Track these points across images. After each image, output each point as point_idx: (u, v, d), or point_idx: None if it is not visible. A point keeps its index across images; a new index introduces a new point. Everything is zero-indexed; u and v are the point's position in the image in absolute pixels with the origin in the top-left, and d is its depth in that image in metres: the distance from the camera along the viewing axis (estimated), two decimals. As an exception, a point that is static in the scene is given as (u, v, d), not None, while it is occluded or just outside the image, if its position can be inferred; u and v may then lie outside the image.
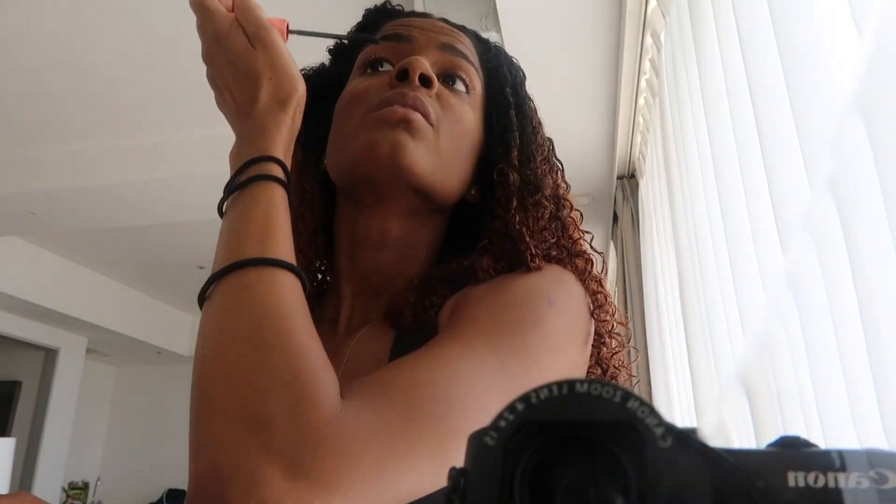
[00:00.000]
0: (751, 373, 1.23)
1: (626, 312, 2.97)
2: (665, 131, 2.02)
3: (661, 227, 2.30)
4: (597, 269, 0.63)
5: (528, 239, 0.59)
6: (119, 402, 7.66)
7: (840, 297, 0.76)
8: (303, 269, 0.61)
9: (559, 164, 0.70)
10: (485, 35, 0.72)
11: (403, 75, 0.59)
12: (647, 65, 2.33)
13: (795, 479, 0.22)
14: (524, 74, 0.71)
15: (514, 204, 0.60)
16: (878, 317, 0.66)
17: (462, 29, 0.69)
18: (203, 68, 0.61)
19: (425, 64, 0.59)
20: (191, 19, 0.60)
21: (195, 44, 0.61)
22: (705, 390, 1.63)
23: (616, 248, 3.29)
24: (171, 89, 3.06)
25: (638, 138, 2.77)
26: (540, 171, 0.63)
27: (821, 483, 0.22)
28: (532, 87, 0.71)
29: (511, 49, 0.75)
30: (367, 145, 0.58)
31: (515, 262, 0.59)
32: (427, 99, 0.59)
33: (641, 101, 2.51)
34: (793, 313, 0.95)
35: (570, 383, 0.23)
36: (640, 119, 2.62)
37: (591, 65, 2.40)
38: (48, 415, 5.97)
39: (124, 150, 3.50)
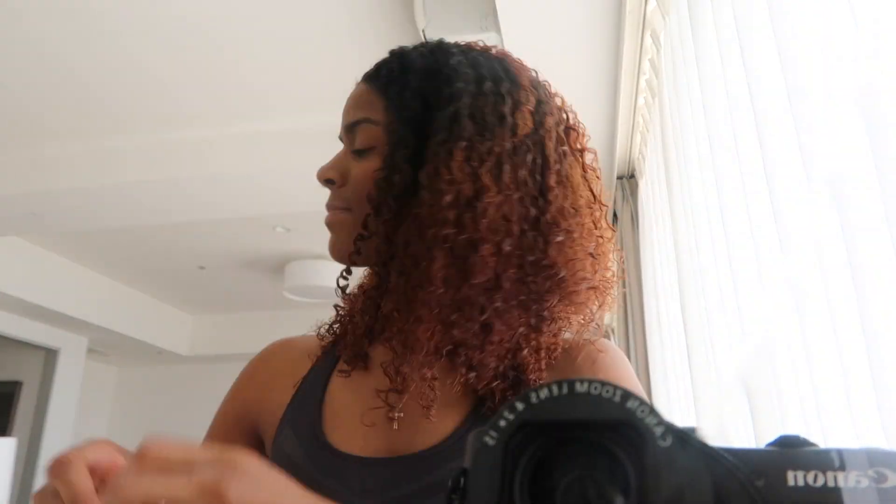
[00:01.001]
0: (751, 373, 1.23)
1: (626, 312, 2.97)
2: (665, 131, 2.02)
3: (660, 227, 2.30)
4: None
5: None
6: (119, 402, 7.66)
7: (840, 297, 0.76)
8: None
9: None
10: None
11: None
12: (646, 65, 2.33)
13: (795, 478, 0.22)
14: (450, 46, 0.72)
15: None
16: (878, 317, 0.66)
17: (369, 81, 0.73)
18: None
19: (323, 171, 0.72)
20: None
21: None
22: (705, 390, 1.63)
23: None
24: (171, 89, 3.06)
25: (638, 138, 2.77)
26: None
27: (820, 482, 0.22)
28: (532, 87, 0.71)
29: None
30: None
31: None
32: (338, 193, 0.72)
33: (641, 101, 2.51)
34: (793, 313, 0.95)
35: (570, 382, 0.23)
36: (639, 119, 2.62)
37: (591, 65, 2.40)
38: (48, 415, 5.97)
39: (124, 151, 3.50)
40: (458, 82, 0.66)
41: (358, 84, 0.75)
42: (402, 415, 0.67)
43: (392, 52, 0.74)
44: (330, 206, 0.72)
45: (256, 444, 0.75)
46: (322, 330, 0.77)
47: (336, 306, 0.76)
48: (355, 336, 0.72)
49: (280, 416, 0.72)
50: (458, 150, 0.62)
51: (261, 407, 0.75)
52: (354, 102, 0.73)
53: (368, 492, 0.62)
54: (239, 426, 0.76)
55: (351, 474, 0.64)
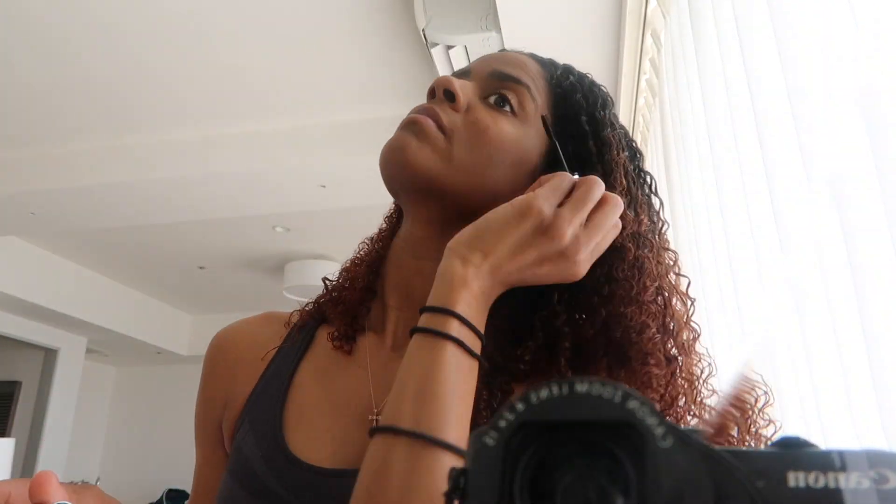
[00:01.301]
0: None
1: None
2: (665, 131, 2.02)
3: (661, 227, 2.29)
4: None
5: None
6: (119, 402, 7.66)
7: (840, 297, 0.76)
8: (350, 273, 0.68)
9: (658, 200, 0.68)
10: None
11: (432, 93, 0.64)
12: (647, 65, 2.33)
13: (795, 479, 0.22)
14: (610, 101, 0.70)
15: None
16: (878, 317, 0.66)
17: (534, 57, 0.69)
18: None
19: (451, 81, 0.63)
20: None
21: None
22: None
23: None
24: (171, 89, 3.06)
25: (638, 138, 2.77)
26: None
27: (821, 483, 0.22)
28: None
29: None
30: (384, 152, 0.63)
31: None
32: (446, 111, 0.62)
33: (641, 101, 2.51)
34: (793, 313, 0.95)
35: (571, 383, 0.23)
36: (640, 119, 2.62)
37: (591, 65, 2.39)
38: (48, 415, 5.97)
39: (124, 150, 3.50)
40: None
41: (522, 52, 0.69)
42: (381, 418, 0.61)
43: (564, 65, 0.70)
44: (428, 113, 0.62)
45: None
46: (308, 306, 0.71)
47: (325, 279, 0.72)
48: (351, 303, 0.67)
49: (241, 408, 0.65)
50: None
51: (224, 403, 0.67)
52: (520, 64, 0.66)
53: None
54: (216, 436, 0.68)
55: (313, 491, 0.56)
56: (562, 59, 0.72)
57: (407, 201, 0.66)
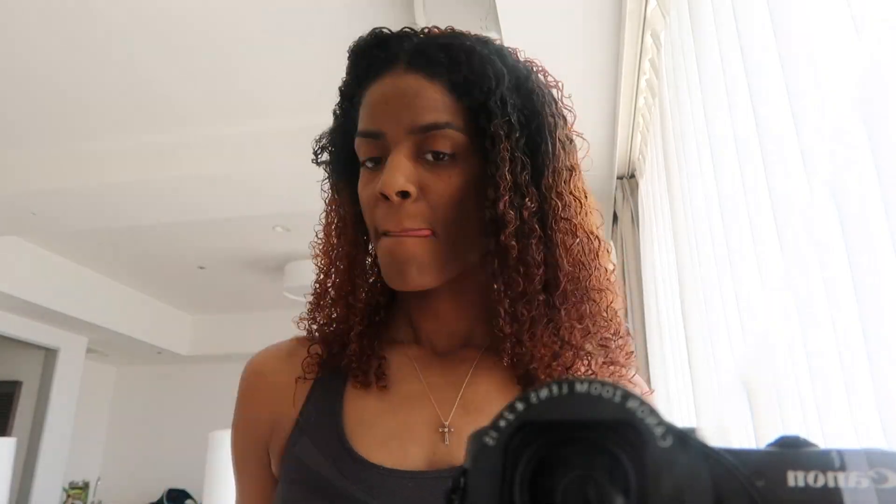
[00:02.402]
0: (751, 373, 1.23)
1: (626, 312, 2.97)
2: (665, 131, 2.02)
3: (660, 226, 2.30)
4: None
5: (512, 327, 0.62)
6: (119, 402, 7.66)
7: (839, 296, 0.76)
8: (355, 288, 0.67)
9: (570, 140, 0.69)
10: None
11: (385, 197, 0.60)
12: (646, 65, 2.33)
13: (795, 478, 0.22)
14: (514, 68, 0.66)
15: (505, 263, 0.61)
16: (878, 316, 0.66)
17: (431, 73, 0.62)
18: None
19: (397, 180, 0.59)
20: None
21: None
22: (705, 390, 1.63)
23: (616, 248, 3.29)
24: (170, 89, 3.06)
25: (638, 138, 2.77)
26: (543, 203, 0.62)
27: (820, 482, 0.22)
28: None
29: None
30: (386, 275, 0.62)
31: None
32: (412, 210, 0.60)
33: (641, 101, 2.51)
34: (793, 313, 0.95)
35: (570, 383, 0.23)
36: (640, 119, 2.62)
37: (591, 65, 2.40)
38: (48, 415, 5.97)
39: (124, 150, 3.50)
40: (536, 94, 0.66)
41: (403, 75, 0.62)
42: (452, 430, 0.61)
43: (434, 36, 0.64)
44: (402, 228, 0.60)
45: None
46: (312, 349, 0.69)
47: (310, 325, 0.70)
48: (362, 351, 0.65)
49: (291, 427, 0.64)
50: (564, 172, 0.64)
51: (270, 425, 0.66)
52: (426, 100, 0.60)
53: None
54: (264, 458, 0.66)
55: (386, 488, 0.57)
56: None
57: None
